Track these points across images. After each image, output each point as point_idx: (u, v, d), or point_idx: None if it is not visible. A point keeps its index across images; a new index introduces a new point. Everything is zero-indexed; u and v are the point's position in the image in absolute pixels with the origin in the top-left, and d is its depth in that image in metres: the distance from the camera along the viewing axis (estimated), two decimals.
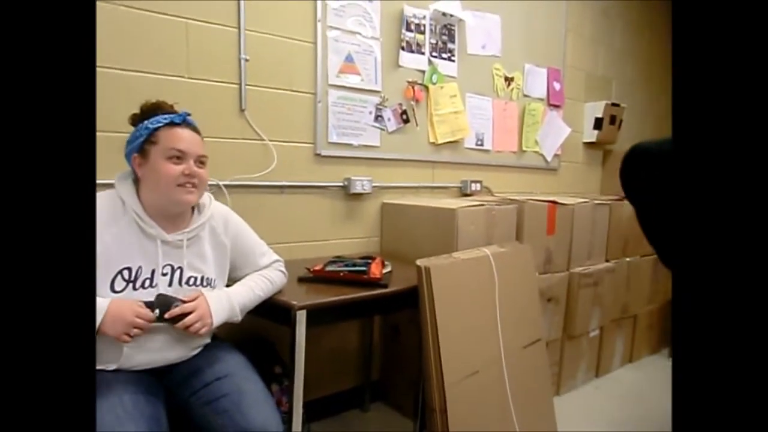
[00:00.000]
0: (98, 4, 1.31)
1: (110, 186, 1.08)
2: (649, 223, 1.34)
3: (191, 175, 1.05)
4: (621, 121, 2.92)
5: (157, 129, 1.04)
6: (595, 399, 2.17)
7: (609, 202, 2.33)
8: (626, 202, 2.40)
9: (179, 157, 1.04)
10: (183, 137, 1.05)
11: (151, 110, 1.07)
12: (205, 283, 1.12)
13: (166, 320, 1.00)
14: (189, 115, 1.10)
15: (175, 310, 1.00)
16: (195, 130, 1.10)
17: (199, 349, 1.14)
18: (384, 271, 1.45)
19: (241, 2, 1.55)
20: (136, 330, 0.96)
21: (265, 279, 1.21)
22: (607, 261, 2.32)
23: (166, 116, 1.06)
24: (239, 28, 1.56)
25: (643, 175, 1.23)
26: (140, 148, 1.05)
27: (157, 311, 0.99)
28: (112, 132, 1.29)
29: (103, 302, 0.96)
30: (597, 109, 2.84)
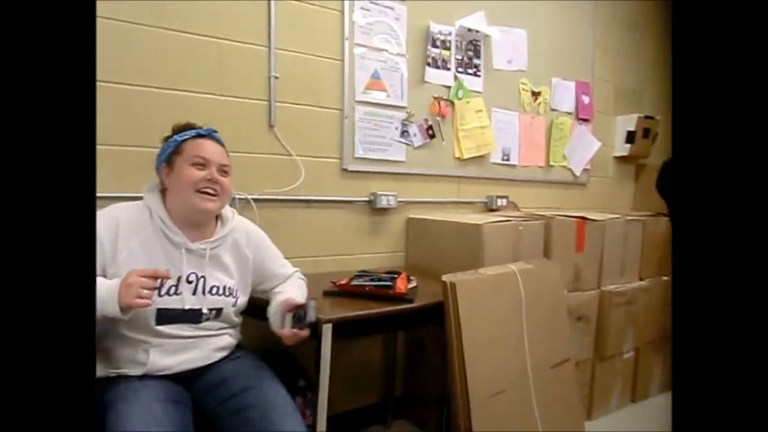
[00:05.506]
0: (136, 26, 1.39)
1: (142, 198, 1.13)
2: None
3: (213, 181, 1.09)
4: (656, 134, 2.83)
5: (184, 141, 1.10)
6: (630, 425, 2.06)
7: (642, 218, 2.25)
8: (661, 218, 2.33)
9: (202, 164, 1.09)
10: (206, 146, 1.11)
11: (181, 130, 1.14)
12: (227, 293, 1.15)
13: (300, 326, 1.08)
14: (216, 131, 1.17)
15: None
16: (220, 143, 1.16)
17: (224, 353, 1.16)
18: (409, 286, 1.44)
19: (272, 22, 1.61)
20: (146, 291, 0.94)
21: (302, 286, 1.29)
22: (641, 279, 2.23)
23: (194, 130, 1.13)
24: (269, 47, 1.62)
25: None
26: (168, 159, 1.11)
27: (293, 318, 1.08)
28: (149, 147, 1.34)
29: (112, 282, 0.96)
30: (629, 122, 2.77)
